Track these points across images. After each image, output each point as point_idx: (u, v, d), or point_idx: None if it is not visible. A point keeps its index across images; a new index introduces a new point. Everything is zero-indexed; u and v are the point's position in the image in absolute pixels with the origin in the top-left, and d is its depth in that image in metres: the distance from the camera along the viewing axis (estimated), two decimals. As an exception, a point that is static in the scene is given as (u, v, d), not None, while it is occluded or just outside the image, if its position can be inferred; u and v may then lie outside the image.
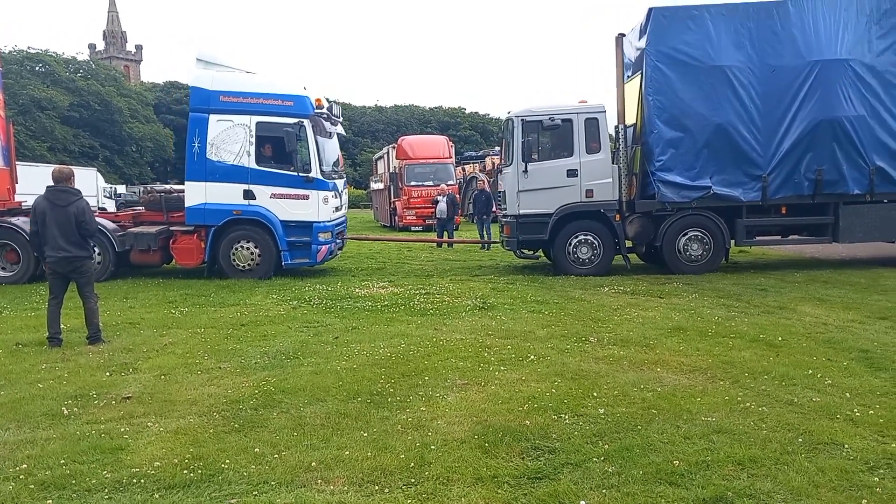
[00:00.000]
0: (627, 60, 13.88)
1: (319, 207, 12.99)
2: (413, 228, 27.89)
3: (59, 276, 7.74)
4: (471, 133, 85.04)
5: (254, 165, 12.83)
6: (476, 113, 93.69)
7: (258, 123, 12.81)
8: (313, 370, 6.38)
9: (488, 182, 28.48)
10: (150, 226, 13.44)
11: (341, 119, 14.96)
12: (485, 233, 20.29)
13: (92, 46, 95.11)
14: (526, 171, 12.88)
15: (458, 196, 26.78)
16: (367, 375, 6.14)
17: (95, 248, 12.32)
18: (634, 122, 13.45)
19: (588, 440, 4.54)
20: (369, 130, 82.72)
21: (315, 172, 12.91)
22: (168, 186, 17.58)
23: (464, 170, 35.99)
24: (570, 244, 13.03)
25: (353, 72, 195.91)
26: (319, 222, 13.01)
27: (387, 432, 4.76)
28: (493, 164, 34.37)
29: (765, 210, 13.04)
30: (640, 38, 13.14)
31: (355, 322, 8.73)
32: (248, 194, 12.83)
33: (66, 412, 5.32)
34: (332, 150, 14.14)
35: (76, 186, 7.80)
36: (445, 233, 20.30)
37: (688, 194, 12.71)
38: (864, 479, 3.85)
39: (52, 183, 7.62)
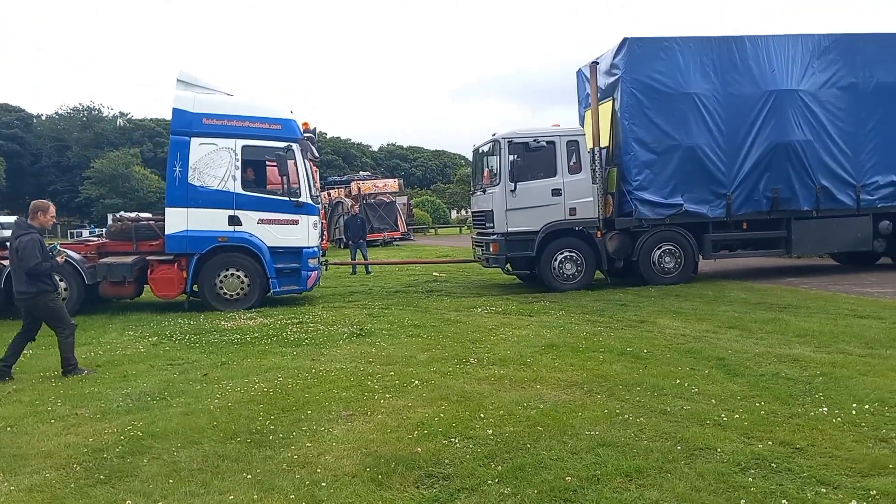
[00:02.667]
0: (585, 92, 14.72)
1: (309, 232, 12.57)
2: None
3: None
4: (333, 157, 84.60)
5: (240, 190, 12.27)
6: (338, 138, 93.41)
7: (244, 147, 12.30)
8: (183, 411, 5.95)
9: (357, 206, 28.24)
10: (123, 256, 12.37)
11: (317, 143, 14.62)
12: (360, 257, 20.10)
13: None
14: (514, 190, 13.20)
15: (324, 221, 26.39)
16: (244, 413, 5.80)
17: (62, 283, 11.28)
18: (607, 144, 14.14)
19: (480, 463, 4.52)
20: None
21: (305, 197, 12.49)
22: (134, 214, 16.31)
23: (329, 195, 35.56)
24: (555, 260, 13.47)
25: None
26: (309, 247, 12.55)
27: (272, 472, 4.50)
28: (359, 188, 34.25)
29: (728, 226, 14.23)
30: (612, 66, 13.90)
31: (224, 357, 8.27)
32: (234, 220, 12.24)
33: None
34: (313, 173, 13.73)
35: (44, 219, 7.60)
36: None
37: (662, 211, 13.66)
38: (738, 480, 4.08)
39: None
